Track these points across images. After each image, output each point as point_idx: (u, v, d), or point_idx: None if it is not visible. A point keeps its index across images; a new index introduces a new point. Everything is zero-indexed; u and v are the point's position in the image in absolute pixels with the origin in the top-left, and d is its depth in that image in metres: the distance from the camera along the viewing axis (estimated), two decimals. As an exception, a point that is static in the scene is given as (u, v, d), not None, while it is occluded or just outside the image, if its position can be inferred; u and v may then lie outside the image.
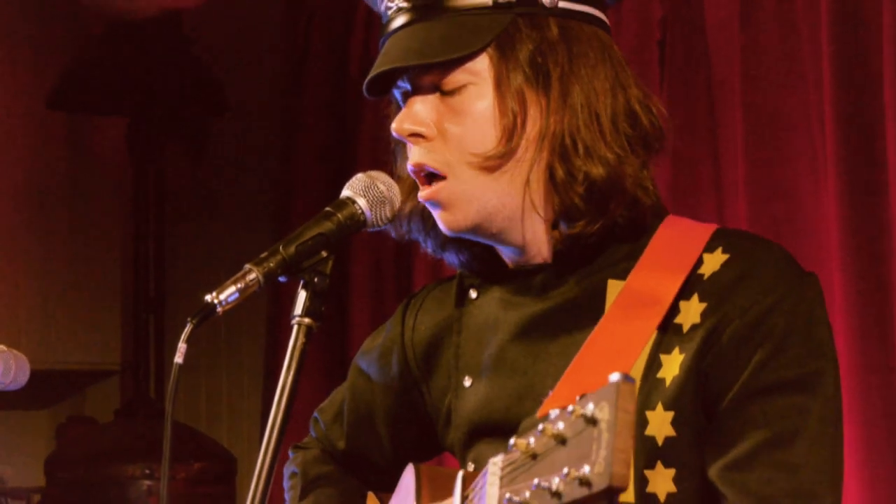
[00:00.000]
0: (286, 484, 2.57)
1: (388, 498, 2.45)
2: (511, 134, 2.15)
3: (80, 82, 5.65)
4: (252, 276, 2.02)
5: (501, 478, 1.72)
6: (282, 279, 2.07)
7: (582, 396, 1.57)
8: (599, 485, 1.54)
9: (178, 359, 1.97)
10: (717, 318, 2.10)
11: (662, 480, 2.10)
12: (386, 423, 2.49)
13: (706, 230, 2.21)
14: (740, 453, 2.08)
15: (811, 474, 2.09)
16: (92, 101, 5.70)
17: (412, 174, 2.21)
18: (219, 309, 2.00)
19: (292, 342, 2.06)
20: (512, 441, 1.67)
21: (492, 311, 2.30)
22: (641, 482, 2.09)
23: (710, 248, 2.17)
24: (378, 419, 2.49)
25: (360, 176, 2.16)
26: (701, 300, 2.13)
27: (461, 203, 2.18)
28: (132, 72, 5.52)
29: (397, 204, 2.18)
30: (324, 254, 2.09)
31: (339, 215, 2.12)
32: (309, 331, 2.06)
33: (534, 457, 1.65)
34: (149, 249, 5.64)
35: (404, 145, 2.23)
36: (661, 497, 2.10)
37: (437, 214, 2.21)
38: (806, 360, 2.11)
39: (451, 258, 2.35)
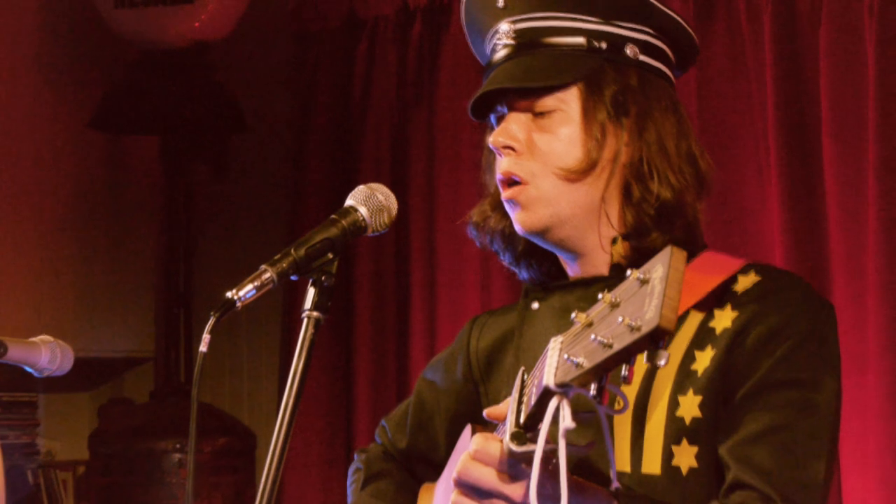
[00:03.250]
0: (350, 479, 2.62)
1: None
2: (591, 154, 2.22)
3: (117, 105, 5.63)
4: (267, 275, 2.03)
5: (561, 347, 1.72)
6: (293, 278, 2.08)
7: (636, 269, 1.61)
8: (648, 326, 1.56)
9: (203, 347, 1.97)
10: (745, 322, 2.16)
11: (686, 456, 2.13)
12: (445, 422, 2.51)
13: (741, 261, 2.26)
14: (748, 433, 2.12)
15: (808, 458, 2.12)
16: (127, 122, 5.69)
17: (499, 182, 2.27)
18: (238, 304, 2.01)
19: (303, 333, 2.07)
20: (573, 315, 1.71)
21: (551, 318, 2.33)
22: (668, 456, 2.13)
23: (744, 271, 2.22)
24: (438, 419, 2.52)
25: (361, 188, 2.18)
26: (733, 310, 2.18)
27: (538, 205, 2.24)
28: (163, 96, 5.51)
29: (394, 212, 2.18)
30: (330, 255, 2.09)
31: (344, 222, 2.13)
32: (317, 323, 2.07)
33: (590, 325, 1.67)
34: (178, 251, 5.63)
35: (493, 159, 2.31)
36: (684, 471, 2.13)
37: (514, 214, 2.27)
38: (815, 365, 2.16)
39: (522, 273, 2.40)
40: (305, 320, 2.07)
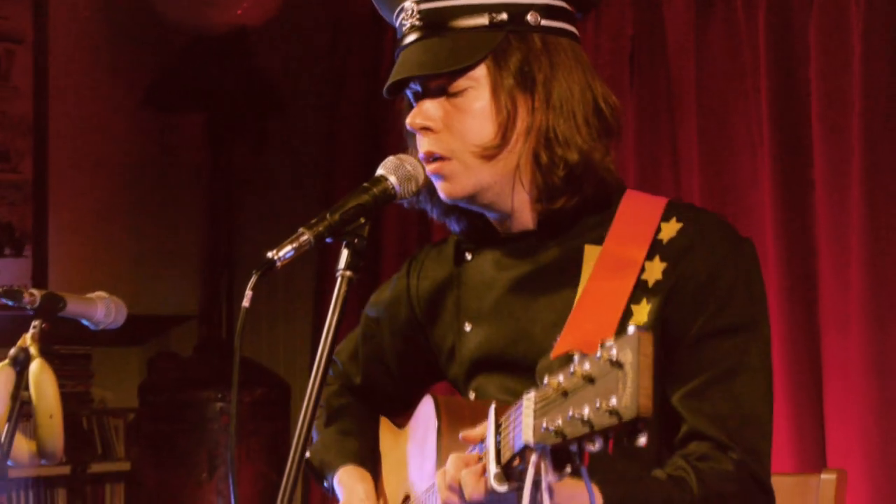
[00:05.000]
0: None
1: (399, 422, 2.45)
2: (505, 128, 2.16)
3: (167, 86, 5.64)
4: (305, 237, 2.02)
5: (535, 410, 1.69)
6: (328, 240, 2.06)
7: (603, 344, 1.57)
8: (628, 415, 1.54)
9: (246, 303, 1.97)
10: (677, 276, 2.13)
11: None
12: (395, 361, 2.48)
13: (660, 202, 2.22)
14: (696, 385, 2.10)
15: (751, 399, 2.11)
16: (176, 102, 5.69)
17: (423, 160, 2.20)
18: (278, 263, 2.00)
19: (336, 291, 2.06)
20: (546, 379, 1.66)
21: (487, 270, 2.30)
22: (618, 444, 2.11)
23: (665, 217, 2.18)
24: (389, 357, 2.49)
25: (391, 158, 2.16)
26: (662, 261, 2.14)
27: (460, 177, 2.19)
28: (208, 78, 5.51)
29: (421, 180, 2.17)
30: (362, 220, 2.08)
31: (375, 189, 2.11)
32: (350, 282, 2.06)
33: (565, 394, 1.63)
34: (221, 218, 5.64)
35: (415, 136, 2.24)
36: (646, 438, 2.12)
37: (439, 185, 2.21)
38: (746, 309, 2.14)
39: (452, 225, 2.35)
40: (339, 279, 2.05)
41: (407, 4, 2.22)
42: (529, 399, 1.71)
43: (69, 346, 5.61)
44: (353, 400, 2.56)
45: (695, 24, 4.25)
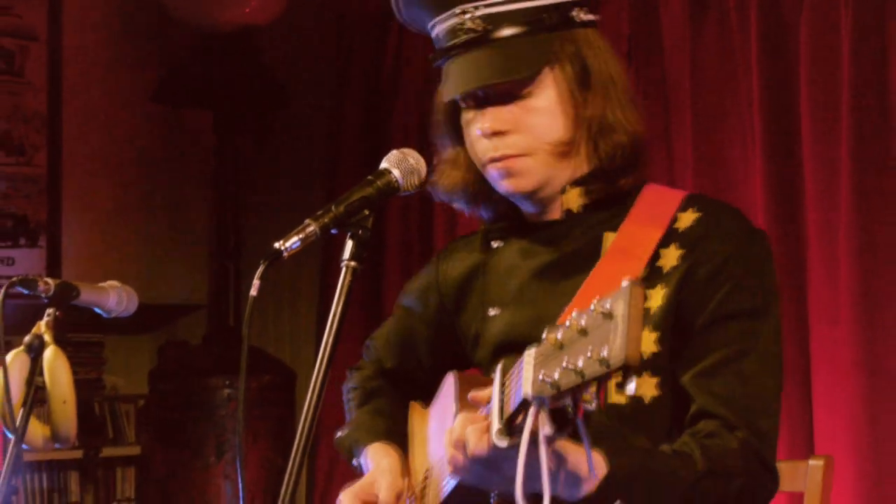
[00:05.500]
0: (346, 397, 2.62)
1: (428, 405, 2.46)
2: (572, 119, 2.18)
3: (176, 83, 5.64)
4: (311, 228, 2.01)
5: (535, 364, 1.69)
6: (333, 231, 2.05)
7: (598, 299, 1.58)
8: (616, 363, 1.54)
9: (254, 292, 1.96)
10: (691, 262, 2.14)
11: (648, 386, 2.12)
12: (426, 347, 2.51)
13: (679, 194, 2.24)
14: (706, 365, 2.11)
15: (760, 380, 2.12)
16: (184, 98, 5.69)
17: (493, 160, 2.22)
18: (285, 254, 1.99)
19: (341, 280, 2.05)
20: (543, 335, 1.68)
21: (512, 258, 2.32)
22: (608, 397, 2.11)
23: (683, 208, 2.20)
24: (419, 344, 2.51)
25: (394, 152, 2.15)
26: (678, 248, 2.15)
27: (531, 173, 2.21)
28: (216, 75, 5.51)
29: (424, 174, 2.16)
30: (366, 212, 2.07)
31: (378, 182, 2.10)
32: (354, 271, 2.05)
33: (561, 346, 1.64)
34: (228, 211, 5.64)
35: (449, 131, 2.33)
36: (647, 399, 2.12)
37: (505, 182, 2.23)
38: (757, 295, 2.15)
39: (481, 214, 2.38)
40: (344, 269, 2.04)
41: (467, 7, 2.22)
42: (530, 354, 1.72)
43: (82, 334, 5.62)
44: (385, 383, 2.59)
45: (690, 24, 4.25)
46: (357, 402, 2.59)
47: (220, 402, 5.28)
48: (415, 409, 2.52)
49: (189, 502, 5.31)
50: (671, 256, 2.16)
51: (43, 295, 2.78)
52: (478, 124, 2.23)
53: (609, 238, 2.20)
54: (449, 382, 2.26)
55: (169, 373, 5.54)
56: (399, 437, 2.48)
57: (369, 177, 2.11)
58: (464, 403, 2.08)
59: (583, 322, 1.61)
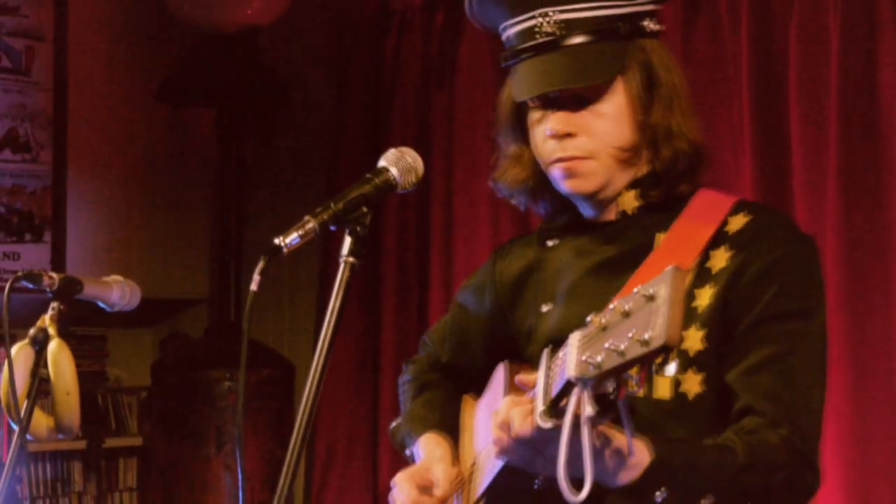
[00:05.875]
0: (401, 389, 2.65)
1: (480, 397, 2.47)
2: (640, 127, 2.20)
3: (179, 82, 5.63)
4: (310, 224, 2.00)
5: (579, 347, 1.70)
6: (332, 228, 2.04)
7: (642, 285, 1.60)
8: (656, 343, 1.56)
9: (254, 287, 1.95)
10: (740, 262, 2.15)
11: (692, 383, 2.11)
12: (480, 342, 2.52)
13: (730, 199, 2.25)
14: (752, 363, 2.11)
15: (804, 379, 2.12)
16: (188, 97, 5.69)
17: (558, 161, 2.24)
18: (285, 249, 1.98)
19: (339, 276, 2.04)
20: (588, 318, 1.69)
21: (567, 256, 2.34)
22: (676, 383, 2.11)
23: (733, 212, 2.21)
24: (474, 337, 2.53)
25: (392, 150, 2.14)
26: (728, 250, 2.16)
27: (594, 175, 2.23)
28: (218, 75, 5.50)
29: (420, 172, 2.14)
30: (364, 209, 2.06)
31: (377, 180, 2.09)
32: (352, 267, 2.04)
33: (604, 329, 1.65)
34: (230, 208, 5.63)
35: (513, 129, 2.34)
36: (691, 396, 2.12)
37: (568, 182, 2.25)
38: (804, 297, 2.15)
39: (540, 209, 2.41)
40: (342, 265, 2.04)
41: (545, 11, 2.23)
42: (574, 337, 1.73)
43: (86, 328, 5.62)
44: (440, 376, 2.61)
45: (681, 28, 4.25)
46: (411, 393, 2.62)
47: (221, 394, 5.28)
48: (467, 401, 2.54)
49: (190, 492, 5.30)
50: (720, 258, 2.16)
51: (47, 289, 2.77)
52: (546, 125, 2.24)
53: (661, 239, 2.22)
54: (500, 372, 2.28)
55: (170, 366, 5.54)
56: (450, 428, 2.50)
57: (367, 175, 2.10)
58: (512, 389, 2.11)
59: (626, 306, 1.63)
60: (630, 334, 1.60)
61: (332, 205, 2.03)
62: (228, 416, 5.26)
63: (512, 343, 2.44)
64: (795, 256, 2.17)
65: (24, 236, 5.42)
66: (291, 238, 1.98)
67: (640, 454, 1.92)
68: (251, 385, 5.26)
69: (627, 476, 1.92)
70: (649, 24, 2.24)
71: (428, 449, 2.43)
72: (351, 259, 2.04)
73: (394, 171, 2.11)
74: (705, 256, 2.17)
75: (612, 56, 2.21)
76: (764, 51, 4.06)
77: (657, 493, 1.94)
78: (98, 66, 5.65)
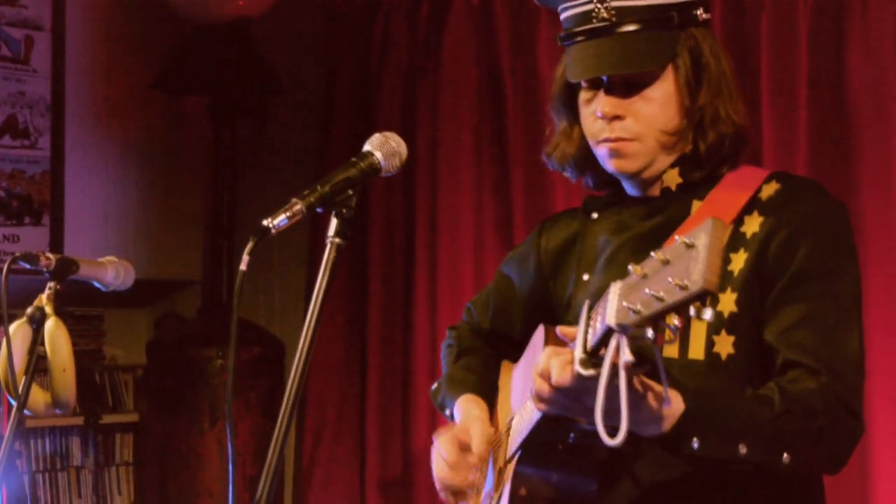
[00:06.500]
0: (444, 352, 2.68)
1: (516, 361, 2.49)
2: (687, 112, 2.21)
3: (174, 70, 5.61)
4: (297, 206, 2.00)
5: (620, 294, 1.70)
6: (319, 210, 2.04)
7: (682, 234, 1.60)
8: (694, 288, 1.56)
9: (243, 267, 1.95)
10: (770, 226, 2.17)
11: (725, 344, 2.12)
12: (521, 309, 2.54)
13: (765, 171, 2.26)
14: (790, 320, 2.11)
15: (842, 333, 2.11)
16: (183, 84, 5.66)
17: (605, 140, 2.26)
18: (273, 230, 1.98)
19: (326, 256, 2.04)
20: (630, 267, 1.69)
21: (609, 227, 2.36)
22: (710, 344, 2.13)
23: (767, 181, 2.21)
24: (515, 306, 2.55)
25: (377, 135, 2.14)
26: (760, 215, 2.17)
27: (638, 157, 2.25)
28: (212, 63, 5.49)
29: (404, 156, 2.14)
30: (350, 192, 2.06)
31: (362, 164, 2.09)
32: (338, 248, 2.04)
33: (645, 276, 1.65)
34: (223, 192, 5.62)
35: (565, 107, 2.36)
36: (723, 356, 2.13)
37: (613, 161, 2.27)
38: (836, 256, 2.16)
39: (587, 181, 2.42)
40: (328, 245, 2.04)
41: None
42: (616, 286, 1.74)
43: (83, 308, 5.62)
44: (481, 342, 2.64)
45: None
46: (451, 357, 2.64)
47: (214, 372, 5.28)
48: (505, 367, 2.57)
49: (184, 466, 5.30)
50: (753, 223, 2.18)
51: (44, 269, 2.77)
52: (596, 106, 2.26)
53: (697, 206, 2.24)
54: (538, 335, 2.28)
55: (165, 344, 5.54)
56: (488, 391, 2.52)
57: (353, 159, 2.10)
58: (552, 342, 2.11)
59: (666, 255, 1.63)
60: (670, 280, 1.60)
61: (318, 188, 2.03)
62: (221, 393, 5.26)
63: (552, 312, 2.46)
64: (824, 219, 2.18)
65: (24, 219, 5.41)
66: (279, 219, 1.98)
67: (676, 404, 1.92)
68: (243, 363, 5.26)
69: (662, 426, 1.92)
70: (700, 14, 2.25)
71: (465, 410, 2.46)
72: (337, 240, 2.04)
73: (378, 155, 2.10)
74: (739, 222, 2.19)
75: (663, 44, 2.22)
76: (736, 40, 4.06)
77: (692, 442, 1.94)
78: (95, 56, 5.64)
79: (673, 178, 2.28)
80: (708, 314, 1.60)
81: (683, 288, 1.58)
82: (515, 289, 2.57)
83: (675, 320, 1.64)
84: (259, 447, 5.26)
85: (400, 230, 5.24)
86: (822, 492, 2.25)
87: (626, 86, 2.24)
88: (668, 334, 1.66)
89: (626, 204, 2.36)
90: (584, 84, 2.29)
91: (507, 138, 4.82)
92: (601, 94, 2.26)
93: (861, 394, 2.12)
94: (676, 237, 1.64)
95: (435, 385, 2.64)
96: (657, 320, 1.64)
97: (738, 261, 2.16)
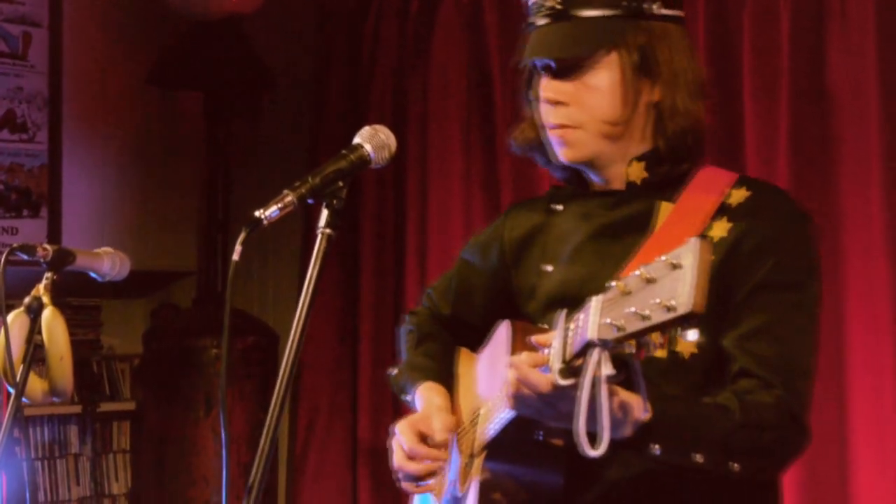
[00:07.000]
0: (403, 338, 2.65)
1: (475, 351, 2.48)
2: (629, 104, 2.20)
3: (169, 66, 5.60)
4: (289, 198, 1.99)
5: (601, 310, 1.69)
6: (310, 201, 2.04)
7: (667, 253, 1.59)
8: (682, 310, 1.54)
9: (236, 257, 1.95)
10: (739, 234, 2.14)
11: (688, 344, 2.11)
12: (482, 296, 2.52)
13: (733, 175, 2.24)
14: (748, 329, 2.11)
15: (797, 346, 2.12)
16: (177, 80, 5.65)
17: (551, 127, 2.25)
18: (265, 221, 1.97)
19: (316, 246, 2.04)
20: (612, 283, 1.68)
21: (571, 220, 2.34)
22: (672, 343, 2.09)
23: (736, 186, 2.20)
24: (477, 292, 2.53)
25: (367, 128, 2.13)
26: (728, 221, 2.15)
27: (582, 146, 2.24)
28: (206, 59, 5.48)
29: (393, 149, 2.14)
30: (340, 184, 2.05)
31: (352, 156, 2.08)
32: (329, 238, 2.04)
33: (628, 294, 1.64)
34: (218, 185, 5.61)
35: (528, 94, 2.35)
36: (686, 356, 2.12)
37: (560, 150, 2.26)
38: (799, 271, 2.15)
39: (556, 173, 2.40)
40: (319, 236, 2.04)
41: None
42: (597, 300, 1.73)
43: (81, 298, 5.61)
44: (440, 328, 2.61)
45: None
46: (411, 343, 2.62)
47: (209, 361, 5.27)
48: (462, 353, 2.55)
49: (180, 453, 5.30)
50: (721, 228, 2.16)
51: (42, 260, 2.77)
52: (543, 91, 2.26)
53: (663, 206, 2.22)
54: (502, 329, 2.27)
55: (161, 334, 5.53)
56: (447, 378, 2.50)
57: (343, 151, 2.09)
58: (518, 347, 2.11)
59: (651, 272, 1.62)
60: (656, 300, 1.58)
61: (309, 179, 2.02)
62: (216, 382, 5.25)
63: (512, 300, 2.44)
64: (792, 231, 2.18)
65: (22, 212, 5.41)
66: (271, 211, 1.98)
67: (640, 411, 1.94)
68: (237, 353, 5.25)
69: (628, 430, 1.94)
70: (655, 7, 2.23)
71: (427, 397, 2.44)
72: (328, 230, 2.04)
73: (368, 147, 2.10)
74: (708, 227, 2.17)
75: (605, 32, 2.21)
76: (719, 38, 4.07)
77: (654, 448, 1.96)
78: (92, 51, 5.63)
79: (638, 173, 2.26)
80: (693, 335, 1.61)
81: (671, 309, 1.57)
82: (477, 275, 2.54)
83: (658, 338, 1.64)
84: (253, 435, 5.26)
85: (391, 222, 5.25)
86: (779, 486, 2.27)
87: (572, 73, 2.23)
88: (650, 349, 1.66)
89: (591, 196, 2.34)
90: (541, 72, 2.29)
91: (495, 133, 4.82)
92: (548, 78, 2.27)
93: (809, 406, 2.14)
94: (661, 257, 1.62)
95: (395, 370, 2.61)
96: (640, 337, 1.65)
97: None
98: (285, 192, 2.00)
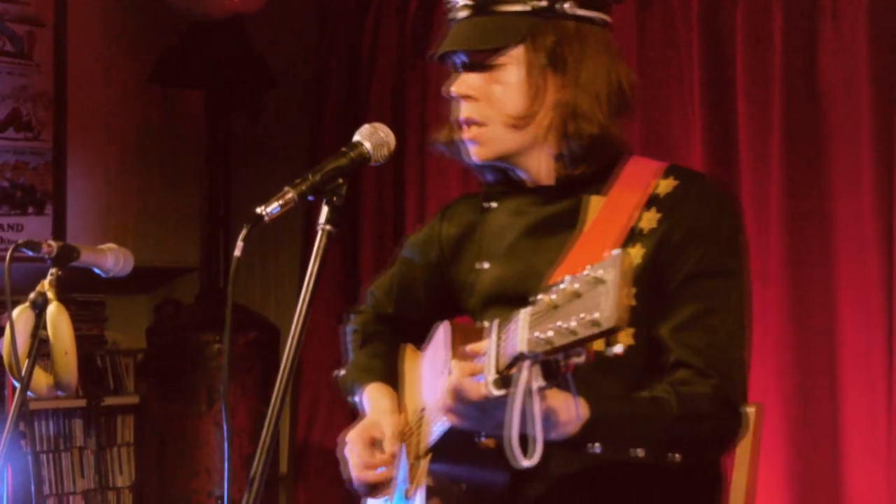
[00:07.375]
0: (347, 338, 2.64)
1: (420, 348, 2.46)
2: (534, 101, 2.19)
3: (171, 65, 5.59)
4: (290, 195, 2.00)
5: (530, 323, 1.70)
6: (310, 198, 2.04)
7: (591, 266, 1.60)
8: (606, 324, 1.57)
9: (237, 253, 1.96)
10: (669, 224, 2.15)
11: (624, 336, 2.12)
12: (424, 292, 2.52)
13: (661, 165, 2.24)
14: (682, 319, 2.13)
15: (730, 334, 2.14)
16: (179, 78, 5.65)
17: (462, 122, 2.26)
18: (266, 218, 1.98)
19: (317, 243, 2.05)
20: (539, 296, 1.69)
21: (504, 218, 2.34)
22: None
23: (665, 176, 2.20)
24: (419, 289, 2.52)
25: (366, 126, 2.14)
26: (657, 212, 2.16)
27: (491, 143, 2.24)
28: (207, 58, 5.47)
29: (392, 146, 2.15)
30: (340, 181, 2.06)
31: (351, 153, 2.09)
32: (329, 235, 2.05)
33: (555, 307, 1.65)
34: (219, 183, 5.61)
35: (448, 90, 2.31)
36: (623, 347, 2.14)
37: (471, 149, 2.27)
38: (729, 257, 2.17)
39: (486, 176, 2.40)
40: (319, 232, 2.05)
41: None
42: (525, 313, 1.73)
43: (86, 294, 5.60)
44: (384, 328, 2.60)
45: (636, 19, 4.25)
46: (357, 343, 2.61)
47: (211, 355, 5.27)
48: (407, 350, 2.53)
49: (183, 446, 5.30)
50: (650, 219, 2.17)
51: (46, 256, 2.77)
52: (454, 86, 2.27)
53: (592, 200, 2.22)
54: (442, 330, 2.27)
55: (164, 329, 5.53)
56: (393, 378, 2.49)
57: (343, 148, 2.10)
58: (457, 351, 2.09)
59: (576, 286, 1.63)
60: (581, 315, 1.60)
61: (310, 176, 2.03)
62: (218, 377, 5.25)
63: (452, 295, 2.45)
64: (720, 218, 2.19)
65: (27, 209, 5.41)
66: (272, 207, 1.98)
67: (581, 412, 1.95)
68: (239, 347, 5.25)
69: (564, 431, 1.95)
70: (570, 7, 2.22)
71: (374, 399, 2.44)
72: (328, 227, 2.04)
73: (367, 144, 2.11)
74: (638, 218, 2.17)
75: (512, 27, 2.21)
76: (713, 38, 4.06)
77: (593, 446, 1.98)
78: (95, 51, 5.63)
79: (560, 170, 2.26)
80: (618, 348, 1.63)
81: (595, 324, 1.59)
82: (418, 273, 2.54)
83: (583, 348, 1.66)
84: (255, 428, 5.26)
85: (390, 219, 5.25)
86: (721, 470, 2.29)
87: (480, 68, 2.24)
88: (579, 358, 1.68)
89: (524, 192, 2.34)
90: (460, 69, 2.29)
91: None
92: (460, 73, 2.27)
93: (744, 391, 2.16)
94: (586, 270, 1.63)
95: (342, 371, 2.59)
96: (568, 350, 1.66)
97: (635, 256, 2.15)
98: (286, 188, 2.01)
